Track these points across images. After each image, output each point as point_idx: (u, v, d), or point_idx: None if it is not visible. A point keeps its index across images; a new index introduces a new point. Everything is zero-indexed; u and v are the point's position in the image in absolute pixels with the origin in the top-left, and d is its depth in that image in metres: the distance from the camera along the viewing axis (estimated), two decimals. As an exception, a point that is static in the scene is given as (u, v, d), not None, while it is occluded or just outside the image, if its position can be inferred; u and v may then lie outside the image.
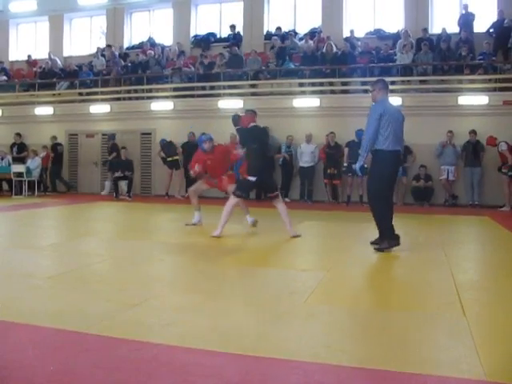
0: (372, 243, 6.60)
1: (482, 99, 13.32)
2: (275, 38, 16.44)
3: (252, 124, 7.58)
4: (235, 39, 17.40)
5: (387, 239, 6.35)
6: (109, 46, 18.01)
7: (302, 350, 3.06)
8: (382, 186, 6.35)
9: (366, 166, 6.45)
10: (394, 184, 6.82)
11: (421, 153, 13.41)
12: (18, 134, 16.91)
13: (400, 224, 10.11)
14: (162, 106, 15.99)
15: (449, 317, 3.77)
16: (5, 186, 16.18)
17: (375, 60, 15.02)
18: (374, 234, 8.60)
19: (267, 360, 2.91)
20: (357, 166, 6.44)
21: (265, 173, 7.55)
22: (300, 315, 3.78)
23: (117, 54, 17.77)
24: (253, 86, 15.61)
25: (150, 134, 16.15)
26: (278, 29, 16.97)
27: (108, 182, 15.90)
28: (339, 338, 3.30)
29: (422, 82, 14.42)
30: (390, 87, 14.12)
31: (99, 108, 16.71)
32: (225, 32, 18.33)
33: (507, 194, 12.39)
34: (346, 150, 13.26)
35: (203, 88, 15.84)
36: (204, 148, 8.50)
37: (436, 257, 6.19)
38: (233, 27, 17.44)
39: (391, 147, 6.24)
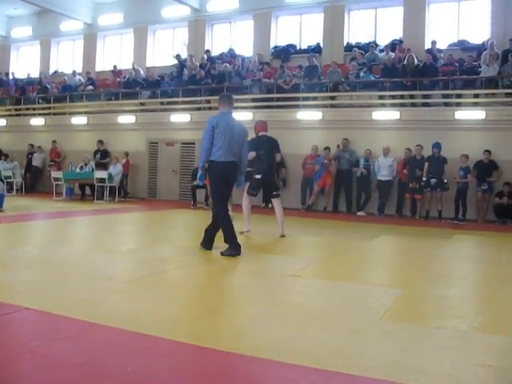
0: (222, 253, 6.67)
1: None
2: (355, 49, 16.35)
3: (262, 133, 8.83)
4: (315, 51, 17.42)
5: (230, 247, 6.64)
6: (190, 56, 18.45)
7: (376, 368, 2.99)
8: (220, 194, 6.85)
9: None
10: (229, 193, 7.19)
11: (507, 169, 12.77)
12: (100, 142, 17.59)
13: (478, 241, 9.81)
14: (241, 116, 16.10)
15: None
16: (87, 190, 16.82)
17: (458, 72, 14.59)
18: (449, 251, 8.33)
19: (341, 375, 2.88)
20: (197, 177, 6.86)
21: (269, 173, 8.68)
22: (375, 332, 3.71)
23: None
24: (332, 97, 15.52)
25: (228, 143, 16.29)
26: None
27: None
28: (415, 358, 3.19)
29: (507, 94, 13.84)
30: (473, 100, 13.98)
31: (179, 117, 17.07)
32: (305, 43, 18.40)
33: None
34: (426, 165, 12.91)
35: (282, 99, 15.86)
36: None
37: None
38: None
39: (223, 158, 6.66)
